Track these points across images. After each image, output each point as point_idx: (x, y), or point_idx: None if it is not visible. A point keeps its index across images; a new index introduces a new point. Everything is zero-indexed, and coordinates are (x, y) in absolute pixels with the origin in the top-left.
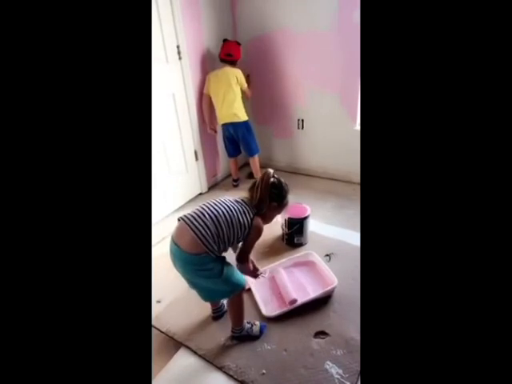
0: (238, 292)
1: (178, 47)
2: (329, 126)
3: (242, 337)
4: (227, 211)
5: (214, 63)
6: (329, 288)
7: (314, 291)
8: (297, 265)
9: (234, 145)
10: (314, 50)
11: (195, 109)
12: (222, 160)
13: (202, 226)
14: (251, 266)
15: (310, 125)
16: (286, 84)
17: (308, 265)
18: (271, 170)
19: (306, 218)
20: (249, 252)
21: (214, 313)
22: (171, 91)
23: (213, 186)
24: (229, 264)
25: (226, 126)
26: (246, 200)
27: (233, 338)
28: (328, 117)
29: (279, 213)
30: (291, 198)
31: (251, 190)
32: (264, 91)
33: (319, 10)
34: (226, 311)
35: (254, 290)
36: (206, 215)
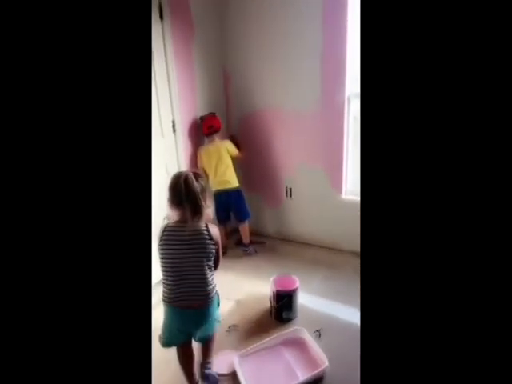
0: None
1: (173, 121)
2: (316, 194)
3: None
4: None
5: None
6: (318, 370)
7: (302, 375)
8: (285, 343)
9: (225, 212)
10: (300, 127)
11: None
12: None
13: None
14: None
15: (297, 193)
16: (275, 155)
17: (297, 343)
18: (186, 173)
19: (294, 290)
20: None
21: None
22: (164, 162)
23: None
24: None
25: (218, 193)
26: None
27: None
28: (315, 186)
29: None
30: (280, 269)
31: (180, 206)
32: (254, 161)
33: (304, 93)
34: None
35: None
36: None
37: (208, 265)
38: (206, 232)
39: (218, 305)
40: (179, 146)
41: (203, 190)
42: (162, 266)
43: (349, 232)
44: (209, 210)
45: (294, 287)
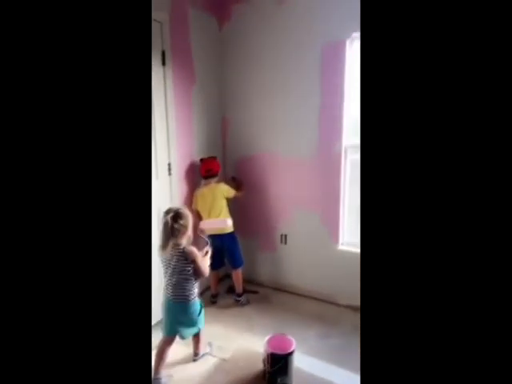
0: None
1: (169, 164)
2: (311, 243)
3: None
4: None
5: (200, 177)
6: None
7: None
8: None
9: (218, 256)
10: (296, 173)
11: None
12: None
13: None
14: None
15: (292, 240)
16: (270, 200)
17: None
18: (168, 216)
19: (290, 353)
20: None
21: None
22: (157, 206)
23: None
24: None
25: (212, 237)
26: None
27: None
28: (310, 234)
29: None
30: (274, 323)
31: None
32: (249, 206)
33: (301, 140)
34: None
35: None
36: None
37: (185, 277)
38: (180, 254)
39: (200, 309)
40: (173, 188)
41: (183, 226)
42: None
43: (344, 284)
44: (188, 234)
45: (290, 350)
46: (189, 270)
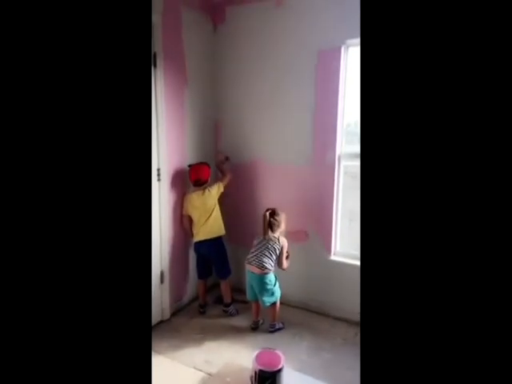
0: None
1: (158, 170)
2: (303, 253)
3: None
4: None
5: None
6: None
7: None
8: None
9: (205, 265)
10: (289, 181)
11: (167, 228)
12: (191, 281)
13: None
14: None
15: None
16: (261, 207)
17: None
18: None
19: (279, 370)
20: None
21: (255, 323)
22: None
23: (176, 312)
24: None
25: (199, 243)
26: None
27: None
28: (303, 244)
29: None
30: (264, 335)
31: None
32: (240, 213)
33: (295, 147)
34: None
35: None
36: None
37: (270, 257)
38: (275, 240)
39: (275, 282)
40: (162, 194)
41: (277, 221)
42: None
43: (336, 296)
44: (282, 228)
45: (279, 367)
46: (275, 254)
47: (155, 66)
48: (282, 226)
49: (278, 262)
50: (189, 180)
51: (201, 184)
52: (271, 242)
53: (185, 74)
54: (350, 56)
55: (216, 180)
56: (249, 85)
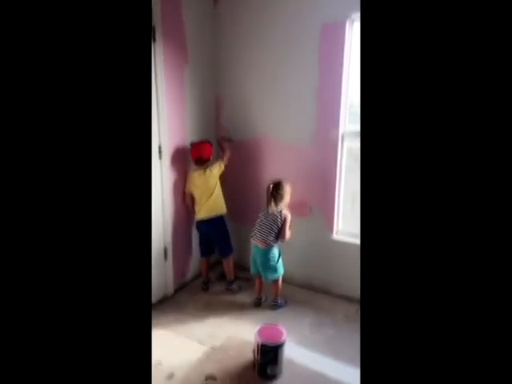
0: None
1: (159, 147)
2: (306, 231)
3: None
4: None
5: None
6: None
7: None
8: None
9: (207, 243)
10: (293, 158)
11: (170, 206)
12: (194, 258)
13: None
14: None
15: None
16: (263, 184)
17: None
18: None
19: (281, 345)
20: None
21: (258, 299)
22: None
23: (180, 288)
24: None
25: (201, 222)
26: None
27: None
28: (305, 223)
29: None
30: (267, 311)
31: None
32: (242, 190)
33: (298, 124)
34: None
35: None
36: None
37: (273, 230)
38: (278, 213)
39: (278, 259)
40: (164, 172)
41: (280, 194)
42: None
43: (338, 274)
44: (286, 201)
45: (281, 341)
46: (277, 227)
47: (154, 40)
48: (287, 198)
49: (280, 234)
50: (190, 158)
51: (203, 162)
52: (273, 216)
53: (185, 48)
54: (355, 31)
55: (217, 158)
56: (251, 60)
